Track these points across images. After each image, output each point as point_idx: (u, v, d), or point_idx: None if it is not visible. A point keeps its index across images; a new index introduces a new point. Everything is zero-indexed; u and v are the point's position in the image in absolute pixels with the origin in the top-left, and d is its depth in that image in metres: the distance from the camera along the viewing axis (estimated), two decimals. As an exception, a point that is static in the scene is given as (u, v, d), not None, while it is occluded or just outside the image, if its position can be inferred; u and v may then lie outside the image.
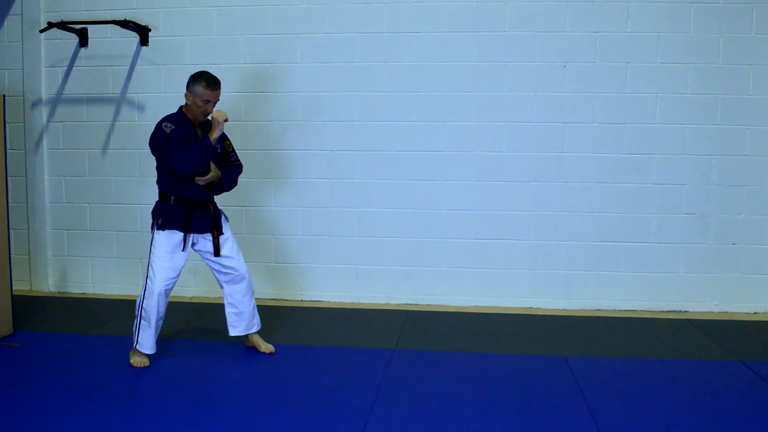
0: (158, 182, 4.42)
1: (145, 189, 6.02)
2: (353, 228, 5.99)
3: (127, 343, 4.48)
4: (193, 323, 5.31)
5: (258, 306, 4.67)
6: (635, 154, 5.72)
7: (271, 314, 5.35)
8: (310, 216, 6.02)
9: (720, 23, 5.58)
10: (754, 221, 5.72)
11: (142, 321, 4.29)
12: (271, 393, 3.93)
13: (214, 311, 5.33)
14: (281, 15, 5.88)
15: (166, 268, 4.29)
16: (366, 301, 6.01)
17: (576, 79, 5.70)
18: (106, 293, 6.20)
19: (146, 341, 4.31)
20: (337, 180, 5.94)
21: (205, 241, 4.43)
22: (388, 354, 4.61)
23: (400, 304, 5.97)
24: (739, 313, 5.76)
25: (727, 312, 5.77)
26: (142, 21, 5.94)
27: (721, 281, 5.79)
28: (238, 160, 4.60)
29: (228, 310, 4.58)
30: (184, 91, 4.31)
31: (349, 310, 5.81)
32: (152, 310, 4.27)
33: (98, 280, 6.26)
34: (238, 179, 4.62)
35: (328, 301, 6.03)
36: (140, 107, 6.05)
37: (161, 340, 4.48)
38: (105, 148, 6.13)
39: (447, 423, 3.54)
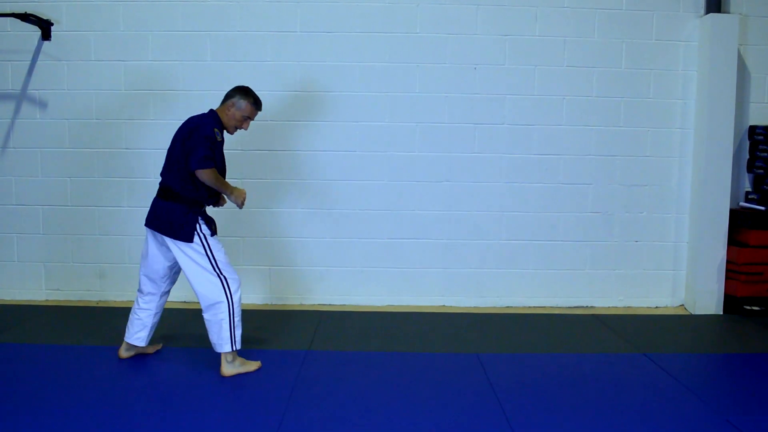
0: (185, 188, 4.17)
1: (47, 189, 5.79)
2: (266, 229, 5.93)
3: (30, 350, 4.27)
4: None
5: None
6: (543, 154, 5.88)
7: (180, 318, 5.23)
8: (220, 217, 5.88)
9: (623, 29, 5.81)
10: (655, 219, 5.97)
11: (235, 319, 4.17)
12: (180, 396, 3.84)
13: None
14: (191, 11, 5.76)
15: (233, 268, 4.26)
16: (279, 303, 5.95)
17: (486, 80, 5.82)
18: (6, 299, 5.91)
19: (240, 338, 4.22)
20: (249, 180, 5.85)
21: None
22: (301, 355, 4.58)
23: (314, 305, 5.94)
24: (641, 307, 6.01)
25: (630, 306, 6.01)
26: (44, 14, 5.70)
27: (624, 277, 6.01)
28: None
29: (154, 320, 4.45)
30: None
31: (261, 312, 5.72)
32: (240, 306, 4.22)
33: (-3, 285, 5.98)
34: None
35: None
36: (42, 104, 5.80)
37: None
38: (4, 146, 5.85)
39: (361, 423, 3.54)
